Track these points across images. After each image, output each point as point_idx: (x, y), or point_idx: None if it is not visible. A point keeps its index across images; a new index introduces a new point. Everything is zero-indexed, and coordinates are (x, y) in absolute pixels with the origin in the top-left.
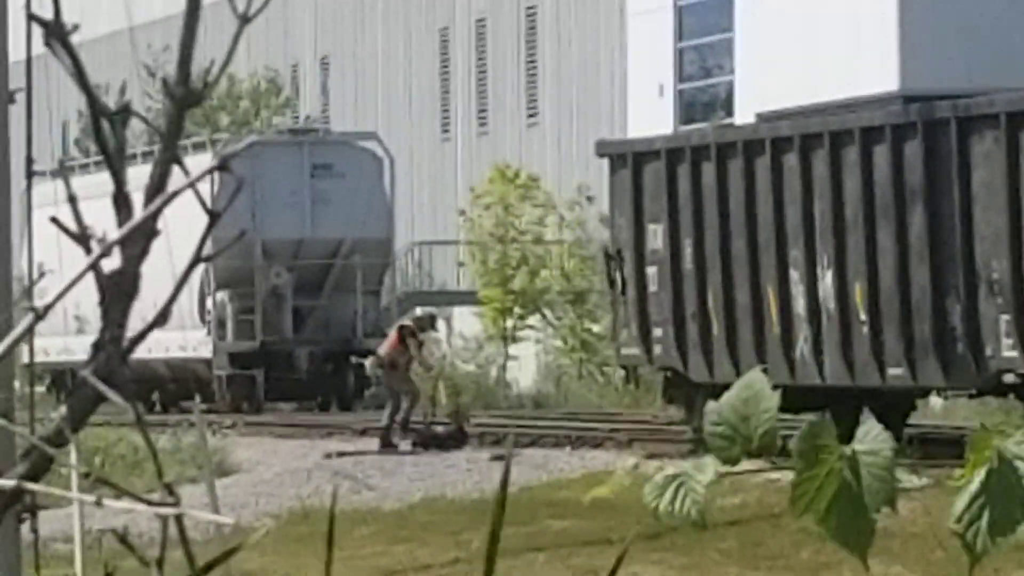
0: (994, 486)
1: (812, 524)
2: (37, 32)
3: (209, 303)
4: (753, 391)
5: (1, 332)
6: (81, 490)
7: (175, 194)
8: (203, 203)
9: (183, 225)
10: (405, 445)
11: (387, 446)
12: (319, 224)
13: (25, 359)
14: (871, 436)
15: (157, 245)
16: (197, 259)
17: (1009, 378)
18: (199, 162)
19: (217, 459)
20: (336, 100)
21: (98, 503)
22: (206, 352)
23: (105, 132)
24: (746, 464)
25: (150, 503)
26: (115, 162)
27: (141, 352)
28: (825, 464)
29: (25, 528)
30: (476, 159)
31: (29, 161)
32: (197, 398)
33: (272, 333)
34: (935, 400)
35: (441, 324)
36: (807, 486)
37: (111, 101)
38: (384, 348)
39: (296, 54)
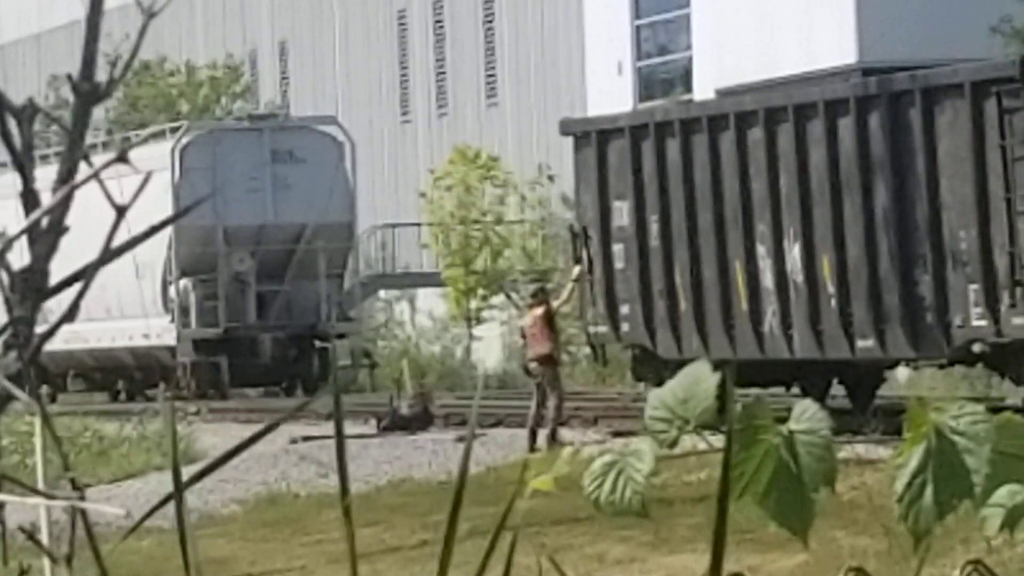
0: (934, 464)
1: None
2: None
3: (172, 291)
4: (694, 376)
5: None
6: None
7: (76, 187)
8: (109, 197)
9: (143, 218)
10: (370, 428)
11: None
12: (281, 210)
13: None
14: (807, 415)
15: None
16: (105, 256)
17: (978, 347)
18: (161, 150)
19: (183, 446)
20: (295, 85)
21: None
22: (170, 339)
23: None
24: (689, 447)
25: (46, 496)
26: (22, 159)
27: (105, 341)
28: (762, 444)
29: None
30: (436, 141)
31: None
32: (162, 386)
33: (236, 319)
34: (901, 371)
35: (405, 306)
36: (745, 467)
37: (67, 92)
38: (541, 348)
39: (254, 40)
